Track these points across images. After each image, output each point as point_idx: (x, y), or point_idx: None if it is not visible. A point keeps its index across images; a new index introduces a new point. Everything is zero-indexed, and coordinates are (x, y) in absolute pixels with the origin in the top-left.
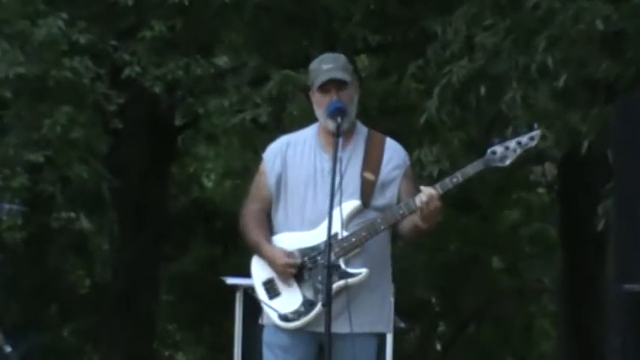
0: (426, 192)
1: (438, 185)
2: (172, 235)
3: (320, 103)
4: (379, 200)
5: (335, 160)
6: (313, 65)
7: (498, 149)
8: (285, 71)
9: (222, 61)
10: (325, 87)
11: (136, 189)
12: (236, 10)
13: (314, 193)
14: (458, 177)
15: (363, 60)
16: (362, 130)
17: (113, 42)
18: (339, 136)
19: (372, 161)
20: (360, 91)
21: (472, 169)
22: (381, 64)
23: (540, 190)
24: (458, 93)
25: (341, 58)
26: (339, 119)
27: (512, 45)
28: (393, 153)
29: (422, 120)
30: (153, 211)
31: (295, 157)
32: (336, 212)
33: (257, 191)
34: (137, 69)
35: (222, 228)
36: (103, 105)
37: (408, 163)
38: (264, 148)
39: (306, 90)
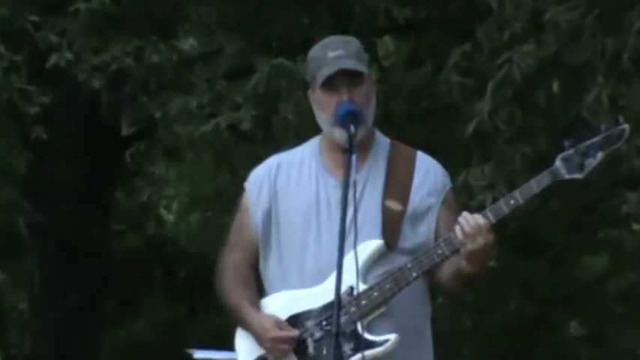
0: (471, 220)
1: (488, 211)
2: (117, 289)
3: (324, 106)
4: (409, 238)
5: (347, 185)
6: (315, 52)
7: (572, 155)
8: (276, 60)
9: (189, 44)
10: (332, 82)
11: (67, 225)
12: None
13: (317, 233)
14: (516, 198)
15: (386, 44)
16: (382, 142)
17: (34, 17)
18: (352, 152)
19: (397, 185)
20: (382, 87)
21: (536, 185)
22: (412, 50)
23: (636, 226)
24: (520, 90)
25: (353, 42)
26: (352, 128)
27: (597, 23)
28: (427, 172)
29: (469, 129)
30: (90, 255)
31: (289, 185)
32: (349, 258)
33: (238, 235)
34: (68, 55)
35: (188, 278)
36: (20, 106)
37: (448, 186)
38: (246, 166)
39: (304, 87)
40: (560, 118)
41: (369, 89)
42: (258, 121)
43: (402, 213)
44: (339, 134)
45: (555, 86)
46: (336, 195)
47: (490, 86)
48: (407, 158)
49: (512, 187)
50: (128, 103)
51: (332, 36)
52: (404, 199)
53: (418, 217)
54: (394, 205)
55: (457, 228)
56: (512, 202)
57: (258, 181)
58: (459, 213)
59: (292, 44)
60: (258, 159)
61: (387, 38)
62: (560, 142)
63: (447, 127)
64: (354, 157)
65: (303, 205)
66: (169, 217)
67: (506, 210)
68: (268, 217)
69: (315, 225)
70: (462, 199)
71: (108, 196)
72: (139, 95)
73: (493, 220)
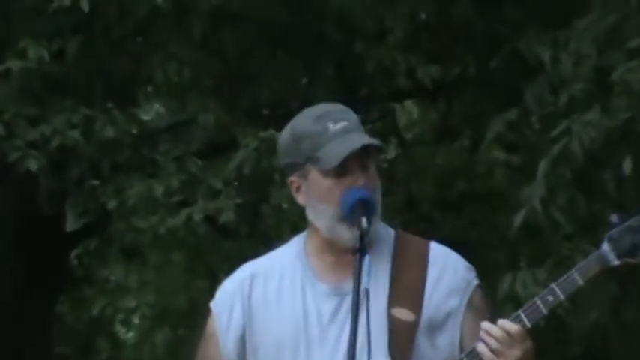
0: (497, 331)
1: (521, 312)
2: None
3: (328, 195)
4: (427, 356)
5: (358, 294)
6: (305, 125)
7: (622, 233)
8: (266, 132)
9: (152, 113)
10: (347, 164)
11: None
12: (176, 21)
13: (307, 356)
14: (556, 294)
15: (409, 110)
16: (385, 234)
17: None
18: (364, 252)
19: (406, 288)
20: (403, 166)
21: (579, 275)
22: (442, 119)
23: None
24: (582, 171)
25: (349, 110)
26: (364, 221)
27: None
28: (445, 268)
29: (517, 221)
30: None
31: (268, 301)
32: None
33: None
34: None
35: None
36: None
37: (474, 283)
38: (228, 270)
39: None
40: (635, 205)
41: (374, 171)
42: (243, 211)
43: (415, 324)
44: (347, 231)
45: (627, 164)
46: (328, 305)
47: (542, 166)
48: (417, 252)
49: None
50: (74, 189)
51: (320, 104)
52: (416, 305)
53: (436, 327)
54: (404, 315)
55: (479, 345)
56: (550, 298)
57: (228, 298)
58: (489, 317)
59: (287, 111)
60: (244, 260)
61: (409, 103)
62: (609, 218)
63: (487, 219)
64: (366, 259)
65: (287, 324)
66: (128, 336)
67: (543, 310)
68: (242, 345)
69: (304, 346)
70: (507, 309)
71: (47, 310)
72: (88, 179)
73: (529, 325)
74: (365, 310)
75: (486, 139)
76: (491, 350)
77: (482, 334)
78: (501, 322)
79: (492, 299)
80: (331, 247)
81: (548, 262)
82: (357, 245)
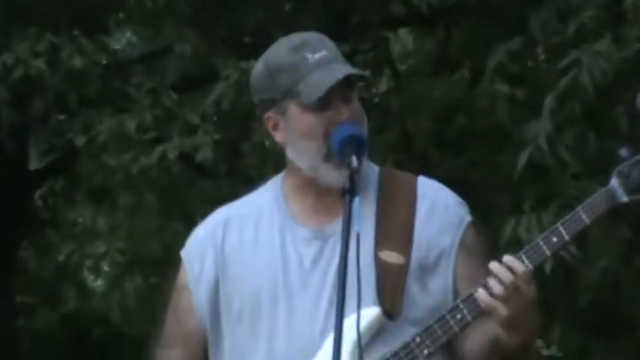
0: (506, 265)
1: (522, 254)
2: None
3: (312, 131)
4: (418, 301)
5: (347, 236)
6: (281, 57)
7: (633, 167)
8: (248, 62)
9: (124, 42)
10: (328, 97)
11: None
12: None
13: (288, 305)
14: (560, 234)
15: (403, 40)
16: (370, 172)
17: None
18: (354, 194)
19: (394, 228)
20: (397, 100)
21: (585, 213)
22: (440, 49)
23: None
24: (592, 105)
25: (327, 39)
26: (354, 160)
27: None
28: (435, 204)
29: (521, 160)
30: None
31: (244, 247)
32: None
33: (176, 326)
34: None
35: None
36: None
37: (467, 219)
38: (206, 213)
39: (260, 109)
40: None
41: (358, 103)
42: (222, 149)
43: (405, 267)
44: (333, 170)
45: None
46: (309, 250)
47: (549, 100)
48: (404, 189)
49: (580, 241)
50: (38, 124)
51: (294, 34)
52: (405, 246)
53: (427, 269)
54: (392, 258)
55: (479, 290)
56: (554, 239)
57: (200, 246)
58: (485, 258)
59: (270, 40)
60: (222, 202)
61: (403, 32)
62: (617, 151)
63: (488, 158)
64: (356, 201)
65: (265, 271)
66: (97, 285)
67: (547, 251)
68: (216, 295)
69: (283, 294)
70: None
71: (10, 256)
72: (54, 113)
73: (530, 266)
74: (355, 255)
75: (487, 70)
76: (493, 295)
77: (496, 264)
78: (507, 258)
79: (494, 246)
80: (312, 188)
81: (555, 204)
82: (347, 186)
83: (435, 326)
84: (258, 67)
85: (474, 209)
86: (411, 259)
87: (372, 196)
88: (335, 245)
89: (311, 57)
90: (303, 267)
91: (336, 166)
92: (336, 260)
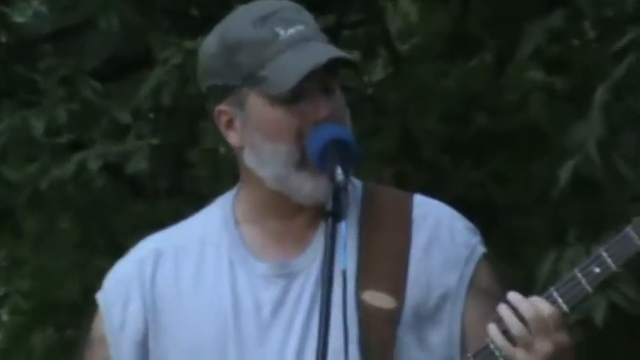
0: (528, 308)
1: (553, 291)
2: None
3: (281, 130)
4: (414, 356)
5: (330, 270)
6: (242, 29)
7: None
8: (193, 41)
9: (29, 14)
10: (303, 86)
11: None
12: None
13: None
14: (606, 263)
15: (404, 11)
16: (350, 188)
17: None
18: (341, 216)
19: (382, 261)
20: (398, 92)
21: (637, 233)
22: (454, 25)
23: None
24: None
25: (302, 9)
26: (339, 172)
27: None
28: (437, 230)
29: (564, 173)
30: None
31: (181, 290)
32: None
33: None
34: None
35: None
36: None
37: (479, 251)
38: (136, 241)
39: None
40: None
41: (341, 95)
42: (162, 157)
43: (396, 313)
44: (309, 180)
45: None
46: (269, 292)
47: (600, 93)
48: (396, 210)
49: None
50: None
51: (258, 0)
52: (396, 286)
53: (426, 317)
54: (380, 300)
55: (491, 328)
56: (597, 270)
57: (122, 287)
58: (499, 298)
59: (225, 11)
60: (162, 228)
61: (405, 0)
62: None
63: (519, 170)
64: (342, 227)
65: (210, 320)
66: None
67: (588, 287)
68: (144, 351)
69: (234, 351)
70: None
71: None
72: None
73: (566, 309)
74: (339, 299)
75: (519, 53)
76: (509, 336)
77: (502, 311)
78: (533, 299)
79: (526, 287)
80: (276, 208)
81: (609, 231)
82: (329, 206)
83: None
84: (210, 42)
85: (498, 237)
86: (405, 304)
87: (353, 220)
88: (304, 285)
89: (283, 32)
90: (260, 315)
91: (312, 174)
92: (304, 306)
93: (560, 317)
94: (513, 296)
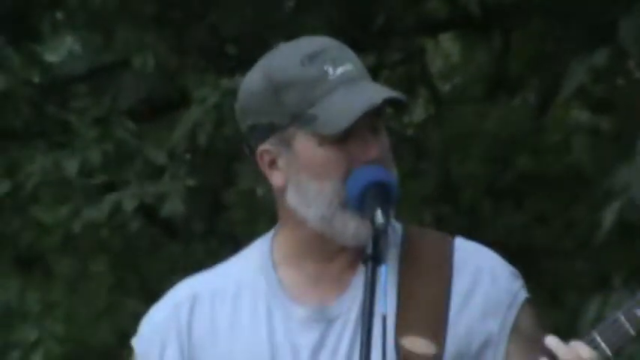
0: (573, 351)
1: (596, 334)
2: None
3: (325, 168)
4: None
5: (369, 323)
6: (290, 68)
7: None
8: (230, 80)
9: (62, 52)
10: (354, 126)
11: None
12: None
13: None
14: (638, 310)
15: (445, 50)
16: (389, 230)
17: None
18: (380, 260)
19: (422, 307)
20: (438, 133)
21: None
22: (494, 62)
23: None
24: None
25: (347, 48)
26: (378, 215)
27: None
28: (478, 274)
29: (607, 218)
30: None
31: (217, 335)
32: None
33: None
34: None
35: None
36: None
37: (521, 297)
38: (171, 285)
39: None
40: None
41: (386, 136)
42: (198, 199)
43: (436, 358)
44: (353, 220)
45: None
46: (307, 337)
47: None
48: (436, 255)
49: None
50: None
51: (302, 38)
52: (437, 332)
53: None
54: (419, 346)
55: None
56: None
57: (159, 333)
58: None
59: (262, 50)
60: (197, 272)
61: (446, 39)
62: None
63: (561, 213)
64: (383, 270)
65: None
66: None
67: (630, 330)
68: None
69: None
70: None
71: None
72: None
73: (609, 353)
74: (379, 344)
75: (562, 92)
76: None
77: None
78: (573, 343)
79: (570, 333)
80: (317, 249)
81: None
82: (368, 250)
83: None
84: (254, 80)
85: (540, 282)
86: (446, 350)
87: (393, 264)
88: (343, 330)
89: (332, 71)
90: None
91: (356, 214)
92: (343, 351)
93: None
94: (551, 341)
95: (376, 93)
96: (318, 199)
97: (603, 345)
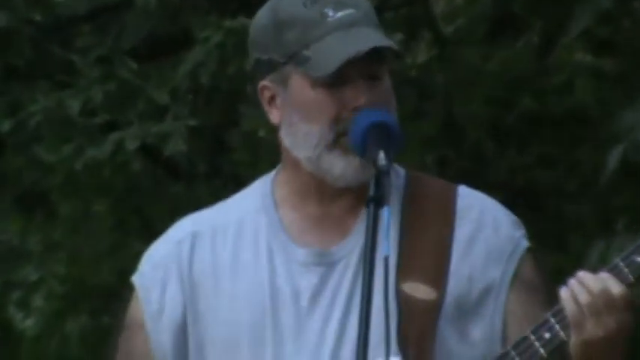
0: (594, 283)
1: (620, 261)
2: None
3: (320, 111)
4: (454, 351)
5: (372, 259)
6: (292, 8)
7: None
8: (234, 20)
9: None
10: (346, 71)
11: None
12: None
13: (276, 351)
14: None
15: None
16: (392, 176)
17: None
18: (382, 202)
19: (423, 253)
20: (442, 74)
21: None
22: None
23: None
24: None
25: None
26: (381, 155)
27: None
28: (481, 222)
29: (611, 161)
30: None
31: (218, 274)
32: None
33: None
34: None
35: None
36: None
37: (523, 245)
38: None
39: (253, 76)
40: None
41: (389, 83)
42: (200, 138)
43: (437, 304)
44: (340, 160)
45: None
46: (308, 280)
47: None
48: (440, 202)
49: None
50: None
51: None
52: (438, 278)
53: (468, 310)
54: (420, 292)
55: (564, 292)
56: None
57: (160, 269)
58: (546, 296)
59: None
60: (199, 210)
61: None
62: None
63: (565, 156)
64: (386, 212)
65: (246, 308)
66: (27, 326)
67: (630, 276)
68: (183, 336)
69: (271, 340)
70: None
71: None
72: None
73: (632, 278)
74: (380, 287)
75: (566, 34)
76: (578, 302)
77: (571, 284)
78: (602, 275)
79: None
80: (316, 191)
81: None
82: (374, 189)
83: None
84: (262, 15)
85: (543, 223)
86: (446, 296)
87: (396, 209)
88: (344, 272)
89: (332, 14)
90: (299, 303)
91: (343, 153)
92: (344, 294)
93: (622, 293)
94: (582, 273)
95: (367, 41)
96: (305, 140)
97: (626, 271)
